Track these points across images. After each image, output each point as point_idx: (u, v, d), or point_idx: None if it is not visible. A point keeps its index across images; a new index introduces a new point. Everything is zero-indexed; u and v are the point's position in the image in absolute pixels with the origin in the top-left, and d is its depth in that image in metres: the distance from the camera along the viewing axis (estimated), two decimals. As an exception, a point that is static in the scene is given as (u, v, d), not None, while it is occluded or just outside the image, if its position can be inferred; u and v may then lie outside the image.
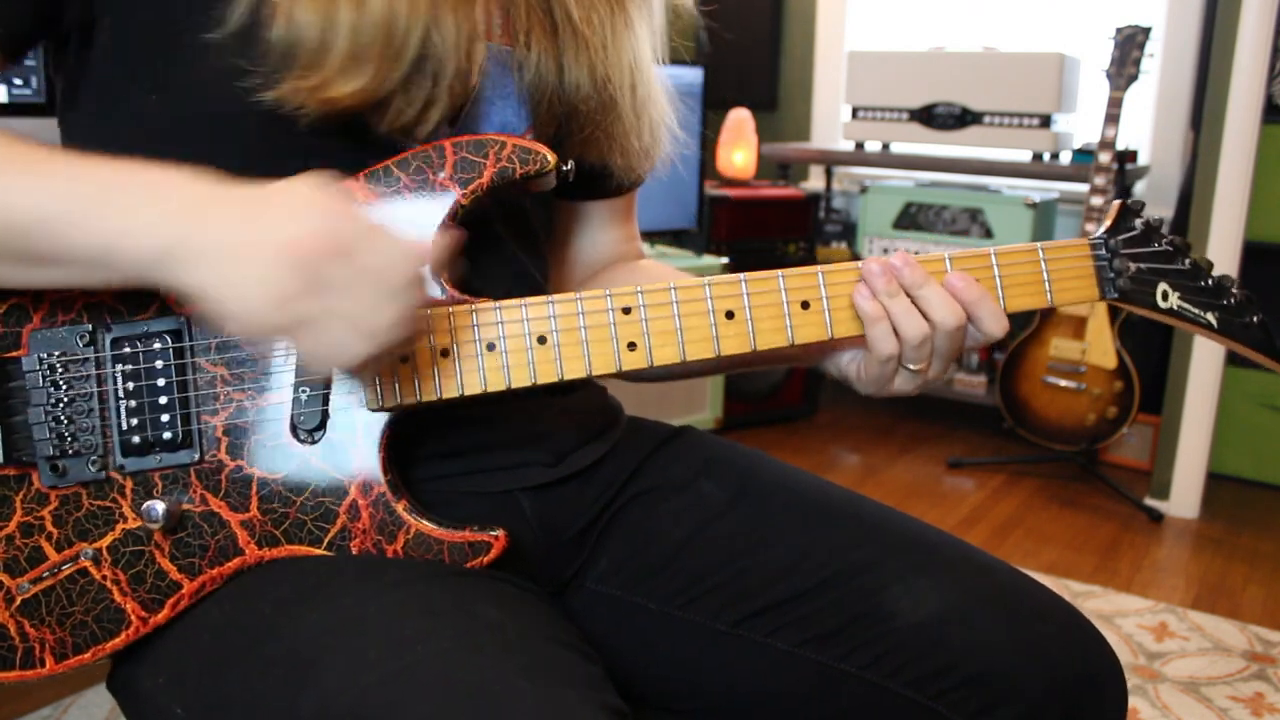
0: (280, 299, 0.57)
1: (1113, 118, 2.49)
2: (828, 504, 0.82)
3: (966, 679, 0.72)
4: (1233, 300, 0.76)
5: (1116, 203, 0.76)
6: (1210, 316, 0.76)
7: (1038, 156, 2.77)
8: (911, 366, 0.73)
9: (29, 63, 1.64)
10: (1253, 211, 2.46)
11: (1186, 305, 0.76)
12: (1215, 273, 0.76)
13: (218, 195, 0.59)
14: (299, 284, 0.56)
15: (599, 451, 0.84)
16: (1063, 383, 2.63)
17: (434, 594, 0.65)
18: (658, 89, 0.84)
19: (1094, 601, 2.12)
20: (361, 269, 0.57)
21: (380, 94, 0.66)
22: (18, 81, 1.61)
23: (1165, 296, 0.75)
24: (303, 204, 0.58)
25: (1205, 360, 2.49)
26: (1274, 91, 2.50)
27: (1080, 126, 2.93)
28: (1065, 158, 2.77)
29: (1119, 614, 2.08)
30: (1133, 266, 0.75)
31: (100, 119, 0.71)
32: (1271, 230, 2.59)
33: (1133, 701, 1.77)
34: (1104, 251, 0.75)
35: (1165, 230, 0.77)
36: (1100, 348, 2.57)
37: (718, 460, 0.86)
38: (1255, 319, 0.76)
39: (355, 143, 0.69)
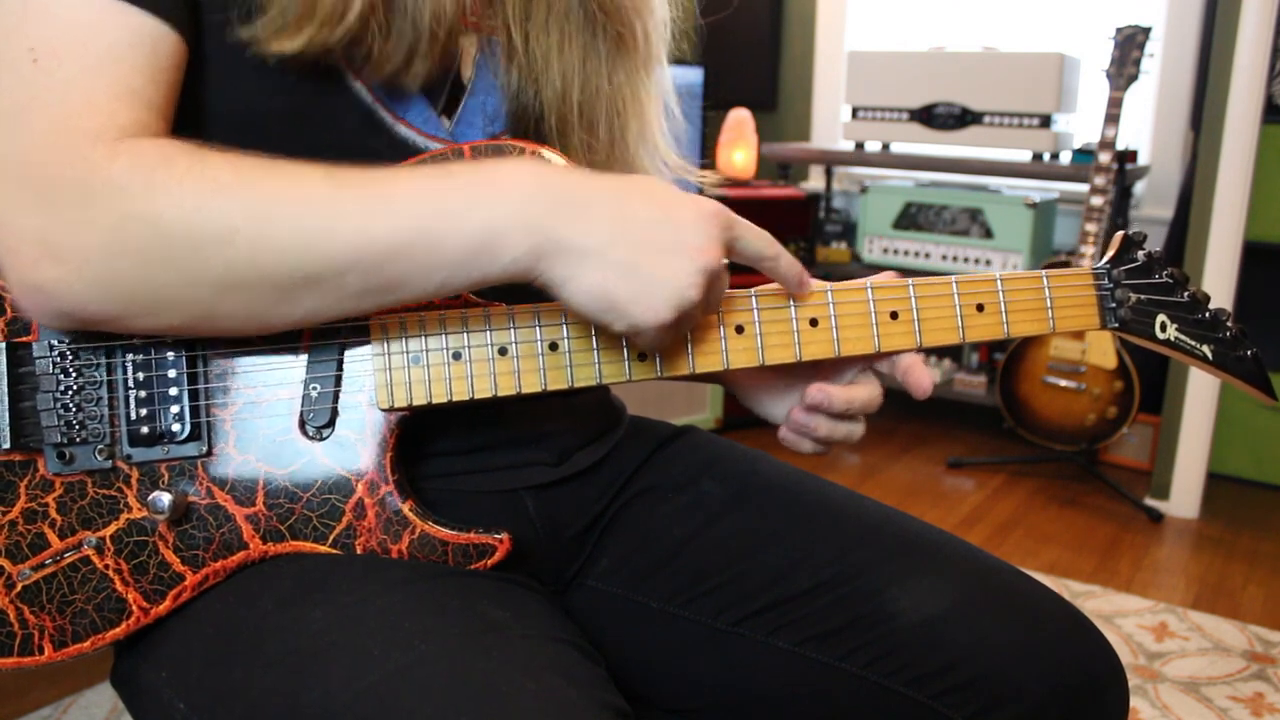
0: (684, 308, 0.62)
1: (1113, 118, 2.49)
2: (829, 504, 0.83)
3: (967, 679, 0.72)
4: (1228, 334, 0.78)
5: (1119, 235, 0.78)
6: (1206, 349, 0.78)
7: (1038, 156, 2.77)
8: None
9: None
10: (1253, 211, 2.46)
11: (1184, 337, 0.77)
12: (1211, 306, 0.78)
13: (562, 184, 0.62)
14: (704, 295, 0.63)
15: (601, 451, 0.84)
16: (1063, 383, 2.63)
17: (437, 592, 0.66)
18: (652, 133, 0.84)
19: (1094, 601, 2.12)
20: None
21: (346, 31, 0.64)
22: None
23: (1164, 328, 0.77)
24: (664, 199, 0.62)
25: (1205, 360, 2.49)
26: (1274, 91, 2.51)
27: (1080, 126, 2.93)
28: (1065, 158, 2.78)
29: (1119, 614, 2.08)
30: (1134, 297, 0.77)
31: None
32: (1271, 230, 2.60)
33: (1133, 701, 1.77)
34: (1107, 281, 0.77)
35: (1163, 256, 0.78)
36: (1100, 348, 2.57)
37: (719, 460, 0.87)
38: (1249, 353, 0.78)
39: (356, 131, 0.69)
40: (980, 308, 0.75)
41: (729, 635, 0.78)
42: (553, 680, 0.60)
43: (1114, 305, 0.77)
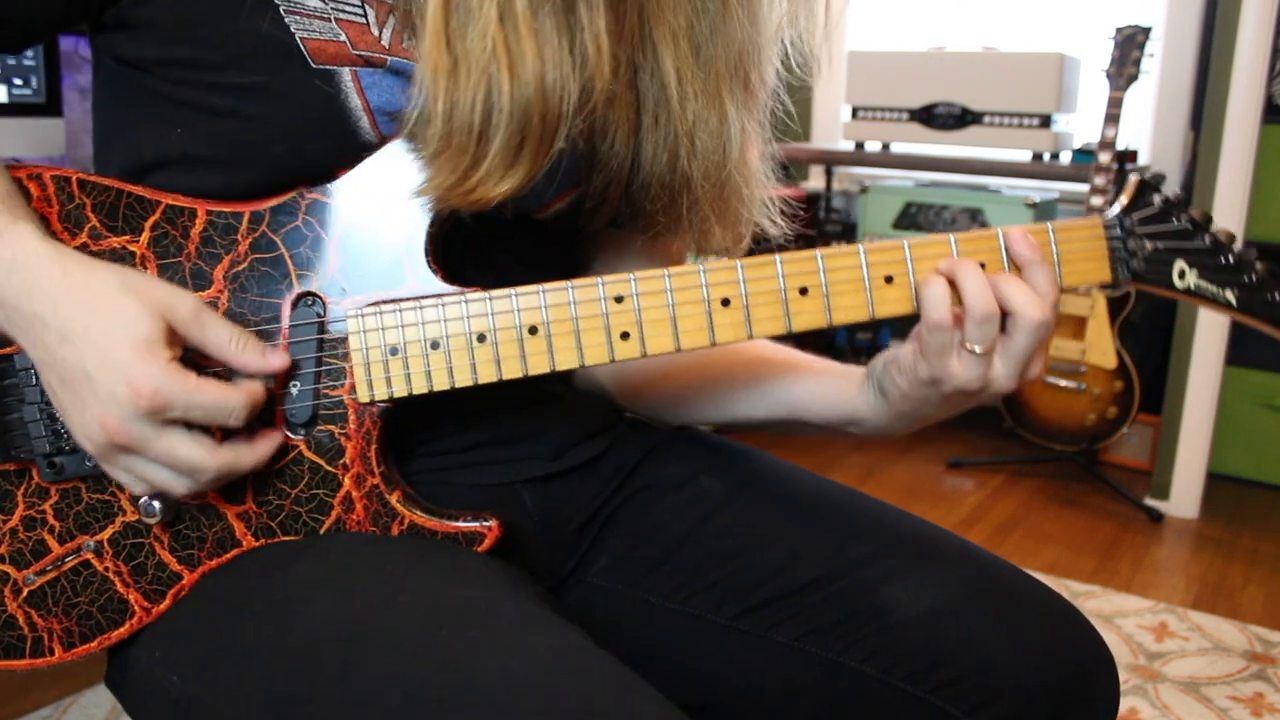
0: (97, 454, 0.63)
1: (1113, 118, 2.49)
2: (826, 499, 0.83)
3: (963, 673, 0.73)
4: (1254, 277, 0.73)
5: (1134, 178, 0.73)
6: (1229, 294, 0.72)
7: (1038, 156, 2.77)
8: (976, 348, 0.67)
9: (28, 62, 1.64)
10: (1253, 211, 2.46)
11: (1205, 283, 0.72)
12: (1236, 247, 0.73)
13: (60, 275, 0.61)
14: (112, 450, 0.62)
15: (599, 447, 0.84)
16: (1063, 383, 2.63)
17: (422, 549, 0.67)
18: (753, 178, 0.81)
19: (1094, 601, 2.12)
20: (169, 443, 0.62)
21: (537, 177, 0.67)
22: (18, 81, 1.61)
23: (1182, 275, 0.72)
24: (125, 365, 0.60)
25: (1205, 360, 2.49)
26: (1274, 91, 2.50)
27: (1080, 126, 2.93)
28: (1065, 158, 2.77)
29: (1119, 614, 2.08)
30: (1149, 245, 0.72)
31: (124, 113, 0.72)
32: (1271, 230, 2.60)
33: (1133, 701, 1.77)
34: (1119, 231, 0.72)
35: (1182, 199, 0.73)
36: (1100, 348, 2.57)
37: (717, 457, 0.87)
38: (1277, 295, 0.73)
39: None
40: (982, 267, 0.69)
41: (729, 630, 0.78)
42: (534, 606, 0.62)
43: (1127, 256, 0.72)
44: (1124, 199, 0.73)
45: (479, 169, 0.64)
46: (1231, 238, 0.73)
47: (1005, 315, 0.67)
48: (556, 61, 0.64)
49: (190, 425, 0.62)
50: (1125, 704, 1.74)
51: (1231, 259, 0.72)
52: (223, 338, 0.63)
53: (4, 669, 0.68)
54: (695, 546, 0.81)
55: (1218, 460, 2.71)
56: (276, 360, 0.65)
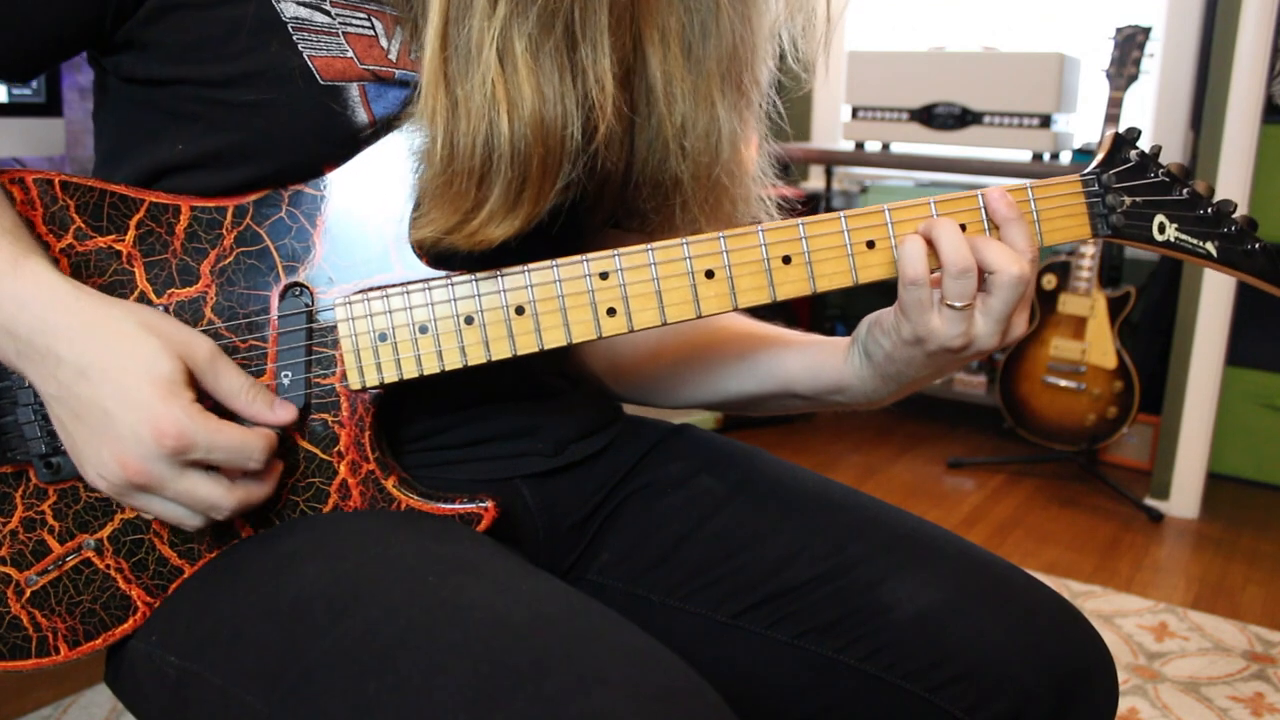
0: (112, 491, 0.63)
1: (1113, 118, 2.49)
2: (826, 498, 0.83)
3: (961, 672, 0.73)
4: (1233, 228, 0.73)
5: (1109, 134, 0.73)
6: (1210, 246, 0.73)
7: (1038, 156, 2.77)
8: (956, 303, 0.68)
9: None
10: (1253, 211, 2.46)
11: (1184, 236, 0.72)
12: (1216, 199, 0.73)
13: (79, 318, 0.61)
14: (129, 489, 0.62)
15: (599, 444, 0.84)
16: (1063, 383, 2.63)
17: (413, 518, 0.69)
18: (746, 179, 0.81)
19: (1094, 601, 2.12)
20: (189, 484, 0.62)
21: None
22: (18, 81, 1.61)
23: (1162, 229, 0.72)
24: (145, 400, 0.60)
25: (1205, 360, 2.49)
26: (1274, 91, 2.51)
27: (1080, 126, 2.93)
28: (1065, 158, 2.77)
29: (1119, 614, 2.08)
30: (1127, 200, 0.72)
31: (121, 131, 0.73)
32: (1272, 230, 2.60)
33: (1133, 701, 1.77)
34: (1096, 187, 0.72)
35: (1158, 151, 0.74)
36: (1100, 348, 2.57)
37: (717, 456, 0.87)
38: (1256, 245, 0.73)
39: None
40: (963, 229, 0.70)
41: (729, 628, 0.79)
42: (519, 563, 0.63)
43: (1105, 212, 0.72)
44: (1100, 154, 0.73)
45: (480, 211, 0.64)
46: (1211, 190, 0.73)
47: (985, 275, 0.68)
48: (556, 102, 0.64)
49: (208, 465, 0.62)
50: (1125, 704, 1.74)
51: (1210, 211, 0.73)
52: (235, 387, 0.64)
53: (10, 670, 0.69)
54: (695, 545, 0.81)
55: (1218, 460, 2.71)
56: (284, 414, 0.66)
